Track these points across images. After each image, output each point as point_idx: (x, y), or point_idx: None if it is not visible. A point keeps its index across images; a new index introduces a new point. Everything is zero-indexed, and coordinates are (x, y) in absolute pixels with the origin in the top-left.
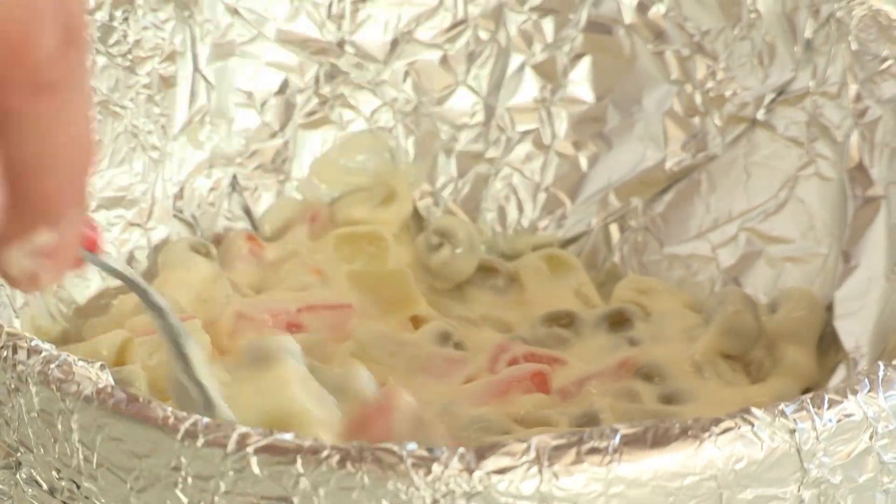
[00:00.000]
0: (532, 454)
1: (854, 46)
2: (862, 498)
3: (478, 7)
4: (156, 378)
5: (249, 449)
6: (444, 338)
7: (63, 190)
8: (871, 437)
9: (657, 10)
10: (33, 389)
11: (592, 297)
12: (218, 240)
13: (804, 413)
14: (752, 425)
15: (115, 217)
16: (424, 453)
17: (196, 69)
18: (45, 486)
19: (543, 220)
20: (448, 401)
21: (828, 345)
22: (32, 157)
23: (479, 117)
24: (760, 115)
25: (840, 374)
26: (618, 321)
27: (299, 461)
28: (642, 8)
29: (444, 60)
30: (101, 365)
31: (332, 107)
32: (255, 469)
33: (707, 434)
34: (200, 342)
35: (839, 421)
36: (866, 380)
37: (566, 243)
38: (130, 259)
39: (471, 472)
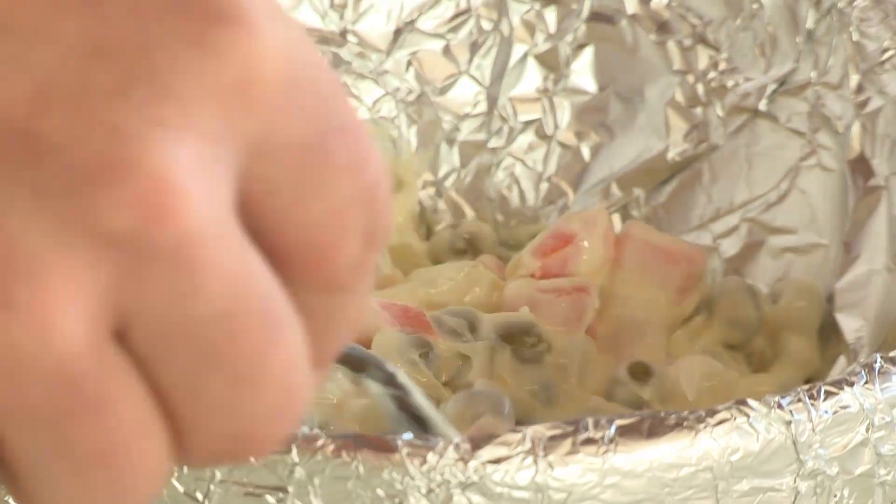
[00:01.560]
0: (527, 444)
1: (856, 37)
2: (858, 490)
3: None
4: None
5: None
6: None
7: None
8: (867, 429)
9: (660, 1)
10: None
11: None
12: None
13: (800, 404)
14: (748, 416)
15: None
16: (419, 443)
17: None
18: None
19: (546, 209)
20: None
21: (829, 336)
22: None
23: (482, 107)
24: (762, 105)
25: (841, 366)
26: None
27: (294, 450)
28: None
29: (447, 50)
30: None
31: None
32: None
33: (703, 425)
34: None
35: (835, 412)
36: (863, 371)
37: None
38: None
39: (466, 461)
